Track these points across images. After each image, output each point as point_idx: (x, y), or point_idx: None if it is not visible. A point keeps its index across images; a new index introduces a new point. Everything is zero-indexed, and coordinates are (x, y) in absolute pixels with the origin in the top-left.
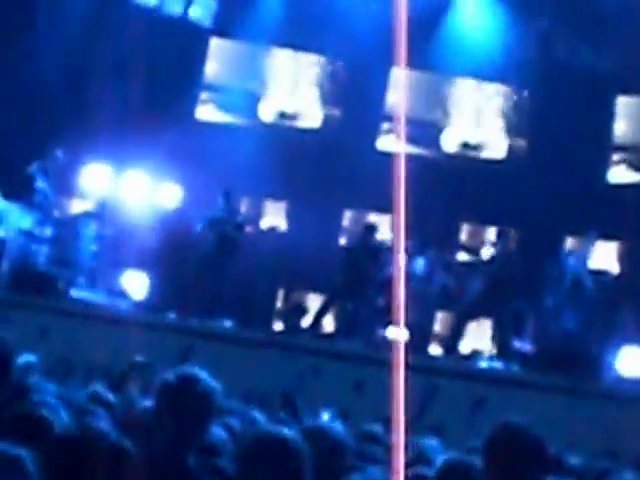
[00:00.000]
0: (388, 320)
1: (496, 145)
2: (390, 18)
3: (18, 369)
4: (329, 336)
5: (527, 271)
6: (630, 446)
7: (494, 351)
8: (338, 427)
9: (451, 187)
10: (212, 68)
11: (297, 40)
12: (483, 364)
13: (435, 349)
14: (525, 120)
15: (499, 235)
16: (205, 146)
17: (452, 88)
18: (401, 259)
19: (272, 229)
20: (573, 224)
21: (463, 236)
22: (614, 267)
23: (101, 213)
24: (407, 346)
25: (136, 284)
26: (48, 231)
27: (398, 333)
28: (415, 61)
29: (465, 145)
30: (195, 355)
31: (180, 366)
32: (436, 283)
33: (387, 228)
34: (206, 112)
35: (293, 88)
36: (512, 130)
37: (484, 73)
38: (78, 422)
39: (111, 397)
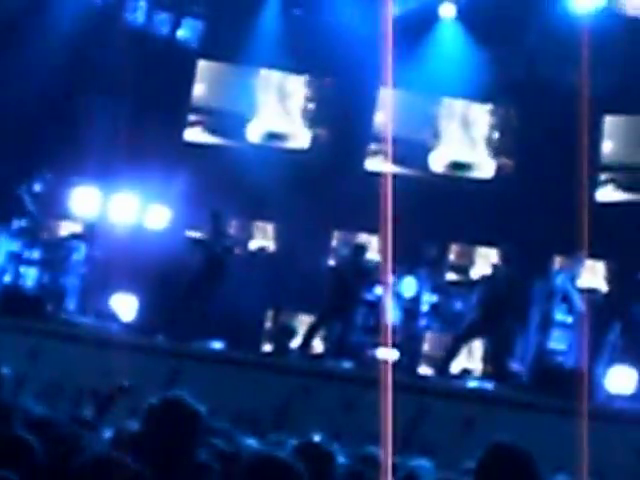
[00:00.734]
0: (377, 340)
1: (484, 165)
2: (378, 39)
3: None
4: (319, 356)
5: (516, 290)
6: (619, 465)
7: (490, 371)
8: (331, 446)
9: (439, 207)
10: (200, 90)
11: (285, 61)
12: (473, 384)
13: (424, 369)
14: (512, 140)
15: (502, 254)
16: (193, 168)
17: (440, 108)
18: (390, 279)
19: (261, 250)
20: (561, 243)
21: (452, 256)
22: (602, 286)
23: (90, 235)
24: (396, 366)
25: (125, 306)
26: (37, 254)
27: (387, 353)
28: (403, 81)
29: (453, 165)
30: (184, 377)
31: (168, 389)
32: (425, 303)
33: (376, 248)
34: (194, 134)
35: (281, 109)
36: (500, 150)
37: (471, 93)
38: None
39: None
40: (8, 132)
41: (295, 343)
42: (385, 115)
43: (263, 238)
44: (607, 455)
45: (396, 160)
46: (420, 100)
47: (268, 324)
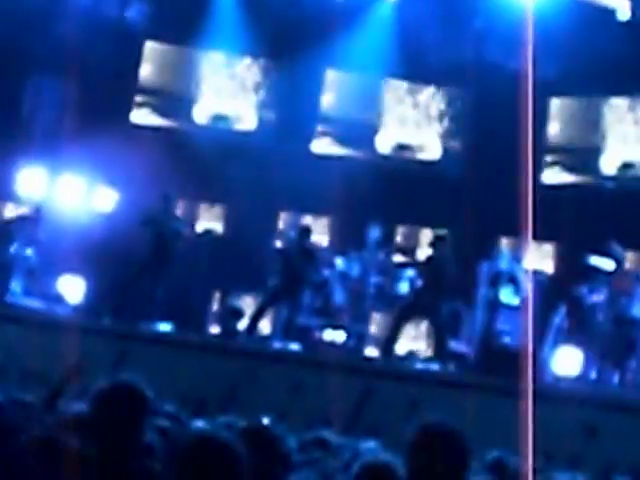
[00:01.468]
0: (324, 322)
1: (431, 146)
2: (324, 21)
3: None
4: (266, 338)
5: (462, 272)
6: (564, 445)
7: (430, 352)
8: (278, 429)
9: (386, 188)
10: (147, 71)
11: (232, 44)
12: (419, 365)
13: (371, 351)
14: (459, 122)
15: (435, 236)
16: (140, 149)
17: (386, 89)
18: (336, 261)
19: (208, 232)
20: (508, 225)
21: (398, 237)
22: (548, 267)
23: (36, 217)
24: (343, 347)
25: (72, 288)
26: None
27: (334, 335)
28: (348, 63)
29: (400, 146)
30: (131, 359)
31: (115, 371)
32: (371, 284)
33: (322, 230)
34: (141, 115)
35: (228, 91)
36: (446, 132)
37: (418, 74)
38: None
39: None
40: None
41: (242, 325)
42: (331, 96)
43: (210, 220)
44: (553, 435)
45: (342, 142)
46: (366, 81)
47: (215, 306)
